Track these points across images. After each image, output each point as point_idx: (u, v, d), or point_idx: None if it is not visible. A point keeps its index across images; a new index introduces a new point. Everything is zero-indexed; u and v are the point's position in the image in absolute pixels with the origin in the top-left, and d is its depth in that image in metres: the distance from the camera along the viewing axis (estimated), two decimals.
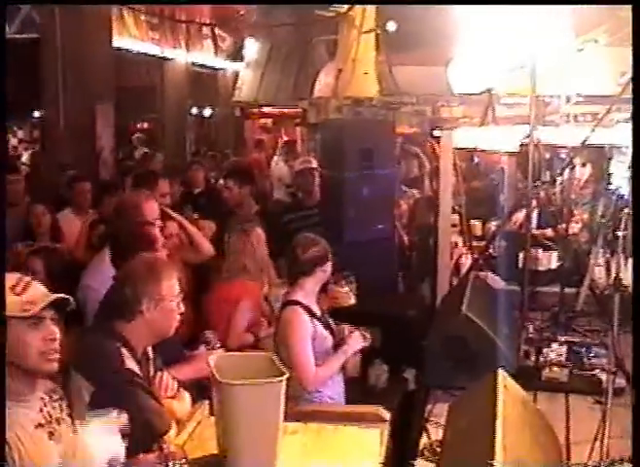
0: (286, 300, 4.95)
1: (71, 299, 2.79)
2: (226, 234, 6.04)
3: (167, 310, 3.54)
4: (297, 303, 4.85)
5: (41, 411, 2.77)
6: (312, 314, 4.87)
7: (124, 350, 3.40)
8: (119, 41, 11.93)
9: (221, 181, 9.08)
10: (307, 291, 4.92)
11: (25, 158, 16.80)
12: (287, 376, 3.19)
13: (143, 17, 13.12)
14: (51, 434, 2.76)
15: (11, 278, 2.76)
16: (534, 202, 6.16)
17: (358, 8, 10.40)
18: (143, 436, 3.17)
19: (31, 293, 2.73)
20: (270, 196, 13.21)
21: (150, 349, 3.66)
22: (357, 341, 4.92)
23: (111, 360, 3.16)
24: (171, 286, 3.56)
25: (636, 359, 3.90)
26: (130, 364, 3.40)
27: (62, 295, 2.77)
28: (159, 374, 3.66)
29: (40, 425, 2.75)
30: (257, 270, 5.53)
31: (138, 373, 3.43)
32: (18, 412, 2.69)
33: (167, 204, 6.43)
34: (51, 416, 2.79)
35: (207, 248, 5.94)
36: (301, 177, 8.04)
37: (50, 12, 10.41)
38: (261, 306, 5.52)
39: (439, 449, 4.15)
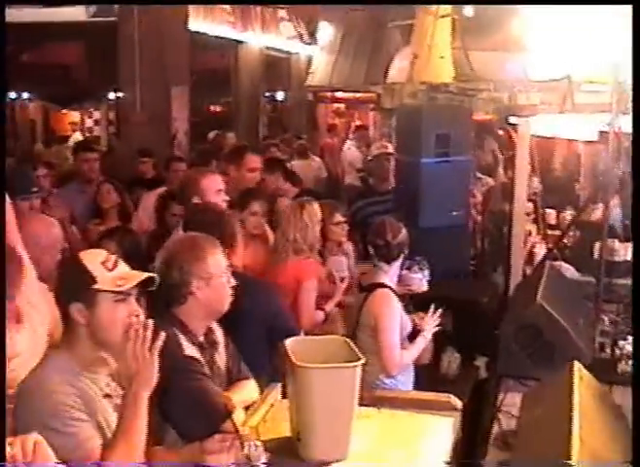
0: (374, 282, 4.95)
1: (157, 278, 2.83)
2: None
3: (218, 287, 3.49)
4: (387, 286, 4.86)
5: (108, 385, 2.85)
6: (397, 296, 4.89)
7: (181, 336, 3.38)
8: (194, 24, 11.98)
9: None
10: (391, 275, 4.93)
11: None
12: (363, 361, 3.18)
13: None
14: (116, 406, 2.82)
15: (100, 253, 2.86)
16: (612, 192, 6.03)
17: None
18: (207, 419, 3.21)
19: (121, 269, 2.81)
20: (342, 180, 13.22)
21: (219, 334, 3.67)
22: (434, 322, 4.92)
23: (168, 348, 3.17)
24: (218, 261, 3.51)
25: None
26: (189, 350, 3.39)
27: (152, 274, 2.82)
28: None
29: (107, 396, 2.82)
30: (308, 245, 5.45)
31: (198, 357, 3.41)
32: (87, 381, 2.77)
33: (256, 179, 6.44)
34: (116, 391, 2.86)
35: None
36: (376, 162, 8.00)
37: None
38: (322, 283, 5.48)
39: (510, 439, 4.12)
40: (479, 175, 8.75)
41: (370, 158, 8.54)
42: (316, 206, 5.50)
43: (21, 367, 3.16)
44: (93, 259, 2.82)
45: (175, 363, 2.98)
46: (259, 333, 4.21)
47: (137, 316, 2.78)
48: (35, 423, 2.50)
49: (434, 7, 10.32)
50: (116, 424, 2.74)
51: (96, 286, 2.74)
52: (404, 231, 5.03)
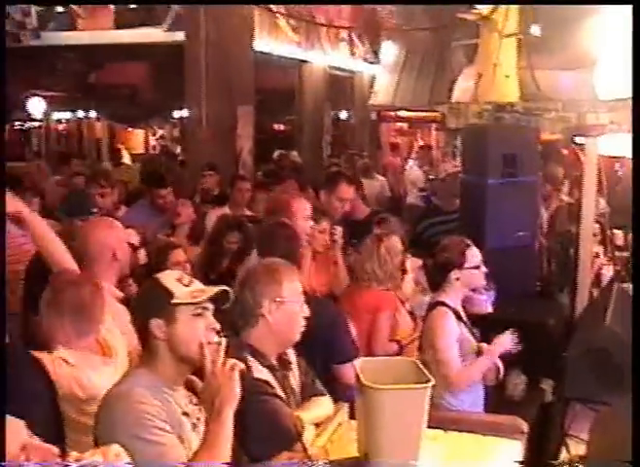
0: (433, 301, 4.95)
1: (231, 292, 2.86)
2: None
3: (290, 313, 3.49)
4: (444, 304, 4.84)
5: (187, 404, 2.88)
6: (459, 317, 4.85)
7: (250, 359, 3.38)
8: (260, 44, 12.10)
9: None
10: (452, 295, 4.91)
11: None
12: (433, 382, 3.17)
13: (284, 20, 13.28)
14: (194, 426, 2.85)
15: (174, 273, 2.94)
16: None
17: (500, 11, 10.22)
18: (277, 441, 3.21)
19: (197, 285, 2.87)
20: (403, 200, 13.19)
21: (292, 354, 3.67)
22: (507, 341, 4.86)
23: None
24: (293, 288, 3.52)
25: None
26: (259, 373, 3.39)
27: (227, 287, 2.86)
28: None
29: (185, 414, 2.84)
30: (387, 278, 5.46)
31: (268, 380, 3.41)
32: (168, 397, 2.80)
33: (344, 210, 6.45)
34: (194, 411, 2.89)
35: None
36: (447, 182, 7.99)
37: (195, 17, 10.69)
38: (399, 314, 5.48)
39: (579, 465, 4.05)
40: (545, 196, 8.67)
41: (441, 177, 8.51)
42: (394, 239, 5.50)
43: None
44: (169, 277, 2.89)
45: (244, 385, 3.00)
46: (316, 351, 4.21)
47: (214, 330, 2.81)
48: (121, 433, 2.55)
49: (499, 26, 10.25)
50: (201, 439, 2.76)
51: (174, 301, 2.79)
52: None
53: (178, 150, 22.31)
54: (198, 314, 2.82)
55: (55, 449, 2.17)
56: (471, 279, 4.94)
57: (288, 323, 3.49)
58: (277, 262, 3.69)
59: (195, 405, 2.92)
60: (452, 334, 4.78)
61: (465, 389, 4.80)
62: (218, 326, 2.85)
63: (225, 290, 2.89)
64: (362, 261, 5.48)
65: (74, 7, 11.43)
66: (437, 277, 5.02)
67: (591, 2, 11.90)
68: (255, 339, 3.46)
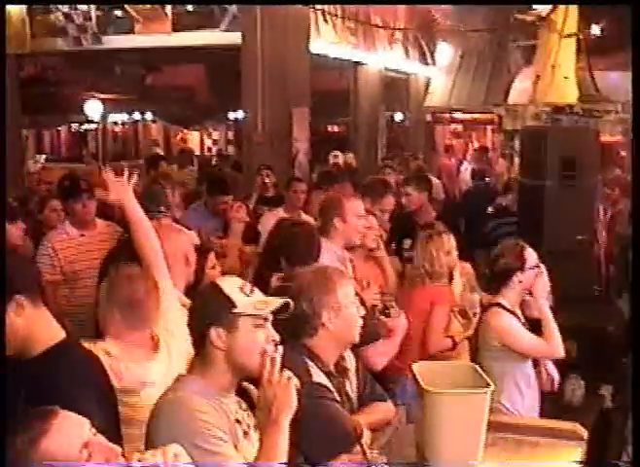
0: (489, 303, 4.92)
1: (292, 305, 2.86)
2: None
3: (348, 317, 3.47)
4: (500, 305, 4.81)
5: (237, 411, 2.86)
6: (517, 319, 4.83)
7: (310, 364, 3.37)
8: (315, 46, 12.13)
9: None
10: (510, 298, 4.88)
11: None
12: (492, 387, 3.15)
13: (339, 22, 13.30)
14: (245, 433, 2.83)
15: (235, 281, 2.88)
16: None
17: (560, 11, 10.13)
18: (336, 444, 3.21)
19: (258, 296, 2.83)
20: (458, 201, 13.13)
21: (350, 360, 3.67)
22: None
23: (297, 375, 3.18)
24: (347, 293, 3.50)
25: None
26: (318, 377, 3.37)
27: (289, 300, 2.84)
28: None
29: (237, 421, 2.82)
30: (438, 276, 5.44)
31: (327, 385, 3.40)
32: (221, 405, 2.78)
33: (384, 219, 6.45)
34: (243, 419, 2.87)
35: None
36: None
37: (251, 19, 10.75)
38: (454, 311, 5.46)
39: None
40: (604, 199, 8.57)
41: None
42: (445, 237, 5.48)
43: (154, 397, 3.23)
44: (231, 284, 2.84)
45: (304, 389, 3.00)
46: None
47: (274, 341, 2.81)
48: (179, 441, 2.54)
49: (559, 26, 10.16)
50: (257, 448, 2.76)
51: (236, 310, 2.77)
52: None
53: (232, 151, 22.50)
54: (259, 325, 2.78)
55: (118, 449, 2.18)
56: (533, 279, 4.91)
57: (347, 327, 3.47)
58: (328, 269, 3.68)
59: (245, 410, 2.92)
60: (517, 324, 4.77)
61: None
62: (277, 338, 2.81)
63: (288, 302, 2.86)
64: (415, 256, 5.50)
65: (132, 11, 11.54)
66: (496, 283, 4.98)
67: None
68: (314, 345, 3.44)
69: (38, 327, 2.83)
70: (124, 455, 2.25)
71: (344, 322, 3.45)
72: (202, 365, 2.84)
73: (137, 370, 3.53)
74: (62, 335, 2.91)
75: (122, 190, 4.04)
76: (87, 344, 3.39)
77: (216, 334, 2.77)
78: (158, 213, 5.45)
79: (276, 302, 2.81)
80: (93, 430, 2.17)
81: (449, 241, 5.47)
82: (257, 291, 2.86)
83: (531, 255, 4.96)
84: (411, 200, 7.39)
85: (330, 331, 3.42)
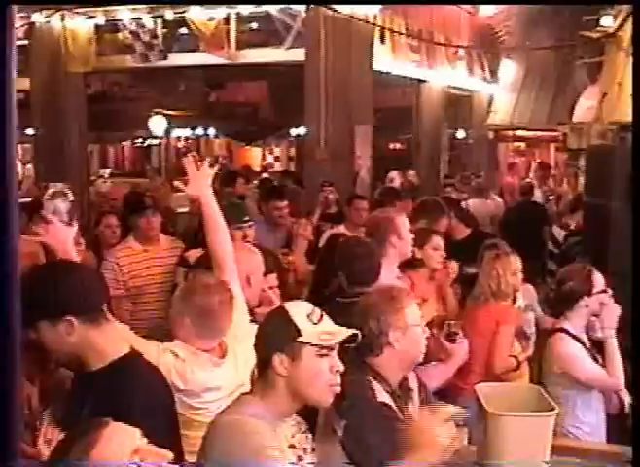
0: (553, 328, 4.86)
1: (359, 336, 2.83)
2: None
3: (415, 337, 3.46)
4: (564, 330, 4.74)
5: (293, 436, 2.85)
6: (581, 344, 4.74)
7: (374, 383, 3.35)
8: (379, 63, 12.12)
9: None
10: (578, 321, 4.80)
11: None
12: (557, 410, 3.10)
13: (402, 40, 13.28)
14: (299, 458, 2.82)
15: (305, 306, 2.87)
16: None
17: (627, 28, 9.99)
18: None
19: (326, 323, 2.81)
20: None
21: (414, 381, 3.65)
22: None
23: (362, 394, 3.16)
24: (414, 312, 3.49)
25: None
26: (382, 396, 3.35)
27: (357, 331, 2.81)
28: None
29: (292, 446, 2.82)
30: (503, 295, 5.39)
31: (391, 405, 3.37)
32: (277, 429, 2.77)
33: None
34: (300, 443, 2.86)
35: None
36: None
37: (315, 36, 10.80)
38: (518, 330, 5.41)
39: None
40: None
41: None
42: (512, 258, 5.43)
43: (216, 402, 3.23)
44: (299, 311, 2.82)
45: (369, 409, 2.97)
46: None
47: (337, 371, 2.78)
48: (230, 461, 2.54)
49: (625, 43, 10.04)
50: None
51: (302, 339, 2.75)
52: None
53: (294, 168, 22.60)
54: (324, 355, 2.76)
55: (169, 454, 2.18)
56: (599, 304, 4.82)
57: (413, 347, 3.46)
58: (395, 288, 3.67)
59: (304, 432, 2.90)
60: (578, 349, 4.69)
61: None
62: (342, 368, 2.79)
63: (355, 334, 2.83)
64: (480, 275, 5.45)
65: (196, 29, 11.66)
66: (562, 306, 4.91)
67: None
68: (380, 365, 3.42)
69: (101, 342, 2.85)
70: (176, 459, 2.26)
71: (410, 342, 3.44)
72: (264, 388, 2.83)
73: (203, 375, 3.57)
74: (126, 349, 2.93)
75: (202, 183, 3.99)
76: (155, 343, 3.42)
77: (279, 360, 2.76)
78: (244, 223, 5.44)
79: (343, 333, 2.79)
80: (144, 439, 2.18)
81: (516, 262, 5.41)
82: (325, 320, 2.83)
83: (599, 279, 4.88)
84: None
85: (395, 351, 3.40)
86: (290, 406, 2.84)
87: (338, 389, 2.77)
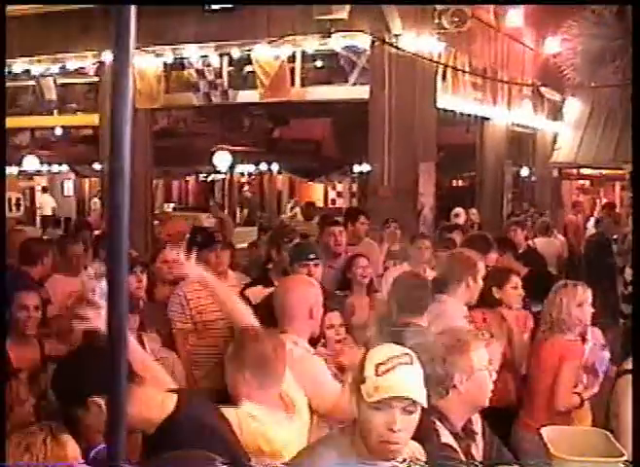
0: (624, 369, 4.76)
1: (419, 402, 2.72)
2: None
3: (481, 381, 3.46)
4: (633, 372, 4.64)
5: None
6: None
7: (438, 424, 3.34)
8: (442, 101, 12.14)
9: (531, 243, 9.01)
10: None
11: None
12: (625, 457, 3.03)
13: (467, 77, 13.30)
14: None
15: (385, 352, 2.80)
16: None
17: None
18: None
19: (390, 378, 2.73)
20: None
21: (478, 423, 3.62)
22: None
23: (427, 435, 3.14)
24: (481, 355, 3.48)
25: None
26: (446, 438, 3.34)
27: (414, 398, 2.72)
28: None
29: None
30: (567, 327, 5.30)
31: (454, 446, 3.35)
32: None
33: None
34: None
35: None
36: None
37: (380, 73, 10.88)
38: (589, 367, 5.33)
39: None
40: None
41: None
42: (580, 289, 5.36)
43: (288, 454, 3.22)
44: (375, 357, 2.79)
45: (432, 449, 2.95)
46: None
47: (393, 431, 2.70)
48: None
49: None
50: None
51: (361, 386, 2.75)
52: None
53: (356, 204, 22.61)
54: (379, 408, 2.71)
55: None
56: None
57: (479, 390, 3.45)
58: (462, 331, 3.67)
59: None
60: None
61: None
62: (399, 426, 2.69)
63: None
64: (545, 310, 5.42)
65: (260, 68, 11.80)
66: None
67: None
68: (444, 406, 3.41)
69: (144, 408, 2.87)
70: None
71: (476, 386, 3.43)
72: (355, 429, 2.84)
73: (281, 432, 3.54)
74: (171, 407, 2.94)
75: (194, 267, 4.17)
76: (228, 411, 3.41)
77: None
78: (309, 260, 5.48)
79: (403, 392, 2.70)
80: None
81: (584, 294, 5.33)
82: (395, 372, 2.72)
83: None
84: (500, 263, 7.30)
85: (461, 393, 3.39)
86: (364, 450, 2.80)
87: (395, 447, 2.71)
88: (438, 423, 3.34)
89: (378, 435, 2.69)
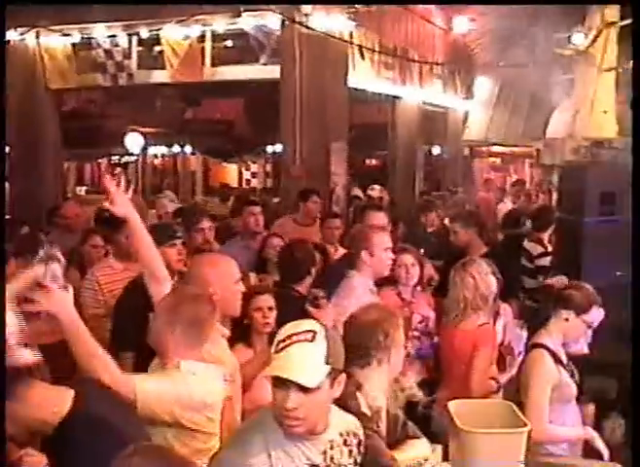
0: (533, 343, 4.86)
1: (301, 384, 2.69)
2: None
3: (401, 355, 3.56)
4: (543, 346, 4.73)
5: (324, 453, 2.81)
6: (558, 360, 4.73)
7: (358, 394, 3.38)
8: (353, 80, 12.18)
9: (446, 222, 9.09)
10: (554, 335, 4.81)
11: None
12: (529, 427, 3.11)
13: (377, 57, 13.36)
14: None
15: (282, 332, 2.80)
16: None
17: (598, 45, 10.11)
18: None
19: (282, 356, 2.71)
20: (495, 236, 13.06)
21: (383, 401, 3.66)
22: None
23: (348, 402, 3.19)
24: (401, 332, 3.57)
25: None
26: (365, 408, 3.38)
27: (295, 379, 2.66)
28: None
29: (314, 466, 2.78)
30: (482, 302, 5.31)
31: (369, 415, 3.38)
32: (297, 449, 2.75)
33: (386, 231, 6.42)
34: (332, 459, 2.83)
35: None
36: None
37: (290, 53, 10.84)
38: (497, 351, 5.37)
39: None
40: None
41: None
42: (484, 262, 5.40)
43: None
44: (277, 336, 2.83)
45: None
46: None
47: None
48: None
49: (597, 60, 10.13)
50: None
51: None
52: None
53: (271, 185, 22.59)
54: (275, 386, 2.74)
55: None
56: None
57: (398, 365, 3.55)
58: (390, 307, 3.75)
59: (348, 445, 2.89)
60: (547, 381, 4.66)
61: (548, 444, 4.65)
62: (291, 405, 2.67)
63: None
64: (453, 292, 5.36)
65: (170, 48, 11.66)
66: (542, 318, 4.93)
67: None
68: (365, 378, 3.45)
69: (36, 409, 2.84)
70: None
71: (399, 359, 3.52)
72: None
73: (219, 385, 3.59)
74: (67, 405, 2.89)
75: (126, 202, 3.99)
76: (175, 364, 3.41)
77: None
78: (174, 240, 5.36)
79: (282, 374, 2.68)
80: None
81: (489, 267, 5.37)
82: (287, 350, 2.73)
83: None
84: (459, 238, 7.38)
85: (388, 366, 3.47)
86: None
87: (293, 423, 2.69)
88: (357, 393, 3.37)
89: (278, 412, 2.69)
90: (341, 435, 2.86)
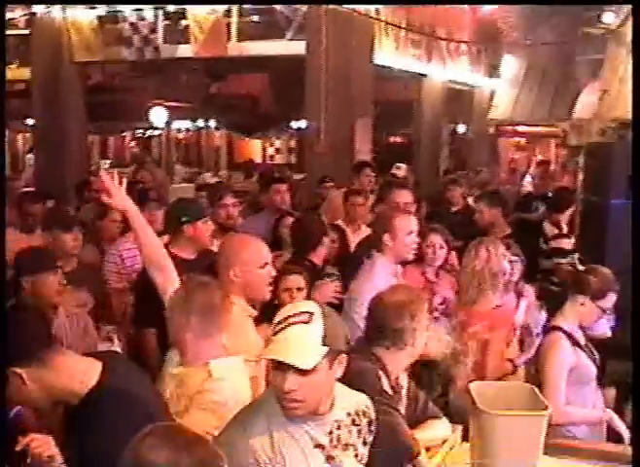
0: (549, 325, 4.82)
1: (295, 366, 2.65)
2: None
3: (424, 339, 3.55)
4: (559, 329, 4.70)
5: (330, 433, 2.79)
6: (576, 342, 4.70)
7: (381, 373, 3.39)
8: (379, 57, 12.12)
9: (471, 201, 9.03)
10: (570, 318, 4.77)
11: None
12: (550, 410, 3.10)
13: (403, 34, 13.29)
14: (329, 458, 2.77)
15: (280, 314, 2.74)
16: None
17: (629, 24, 9.96)
18: (394, 455, 3.17)
19: (278, 338, 2.66)
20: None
21: (404, 378, 3.67)
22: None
23: (370, 380, 3.18)
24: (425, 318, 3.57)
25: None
26: (387, 387, 3.40)
27: (289, 361, 2.62)
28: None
29: (319, 446, 2.76)
30: (497, 281, 5.27)
31: (390, 393, 3.41)
32: (301, 429, 2.73)
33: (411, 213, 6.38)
34: (338, 439, 2.80)
35: None
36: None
37: (317, 29, 10.79)
38: (517, 332, 5.33)
39: None
40: None
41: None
42: (496, 242, 5.35)
43: None
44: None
45: (374, 395, 2.98)
46: None
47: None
48: None
49: (627, 39, 9.99)
50: None
51: None
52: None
53: (294, 160, 22.57)
54: (274, 368, 2.72)
55: None
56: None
57: (421, 347, 3.54)
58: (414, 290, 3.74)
59: (356, 425, 2.85)
60: (564, 364, 4.62)
61: (568, 425, 4.63)
62: (289, 387, 2.64)
63: None
64: (466, 262, 5.28)
65: (196, 22, 11.63)
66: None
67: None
68: (388, 359, 3.46)
69: (65, 378, 2.84)
70: None
71: (422, 343, 3.52)
72: None
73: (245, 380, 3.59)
74: (95, 377, 2.87)
75: (124, 196, 4.04)
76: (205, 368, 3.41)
77: None
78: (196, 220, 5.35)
79: (276, 357, 2.66)
80: None
81: (501, 245, 5.31)
82: (283, 332, 2.68)
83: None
84: (484, 217, 7.34)
85: (413, 349, 3.48)
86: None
87: (292, 405, 2.65)
88: (381, 372, 3.38)
89: (277, 394, 2.67)
90: (349, 415, 2.83)
